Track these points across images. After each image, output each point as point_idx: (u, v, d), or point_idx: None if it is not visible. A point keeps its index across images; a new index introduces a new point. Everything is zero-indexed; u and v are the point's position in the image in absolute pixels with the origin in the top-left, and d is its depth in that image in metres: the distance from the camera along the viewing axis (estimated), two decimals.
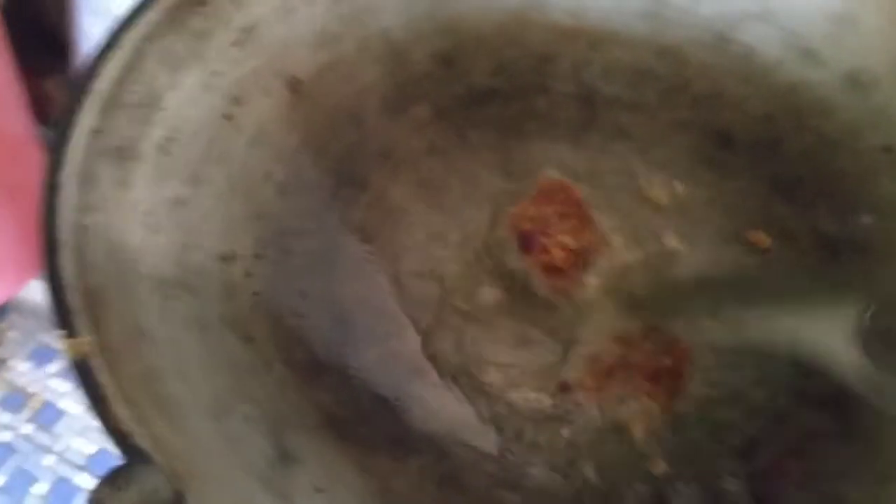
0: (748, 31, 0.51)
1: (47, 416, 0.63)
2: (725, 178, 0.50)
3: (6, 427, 0.62)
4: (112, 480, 0.25)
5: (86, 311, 0.31)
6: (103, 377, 0.29)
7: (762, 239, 0.47)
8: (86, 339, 0.30)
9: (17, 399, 0.63)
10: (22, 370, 0.69)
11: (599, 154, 0.52)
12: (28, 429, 0.62)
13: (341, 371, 0.40)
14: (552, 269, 0.47)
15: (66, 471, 0.61)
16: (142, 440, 0.27)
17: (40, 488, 0.60)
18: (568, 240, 0.48)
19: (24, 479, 0.60)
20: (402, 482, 0.36)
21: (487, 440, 0.40)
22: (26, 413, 0.63)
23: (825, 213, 0.47)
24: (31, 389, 0.64)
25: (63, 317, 0.30)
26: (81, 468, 0.63)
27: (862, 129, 0.48)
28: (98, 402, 0.28)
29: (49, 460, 0.61)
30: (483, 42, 0.52)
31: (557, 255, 0.47)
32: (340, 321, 0.42)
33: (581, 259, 0.48)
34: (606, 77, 0.53)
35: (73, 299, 0.31)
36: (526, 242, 0.48)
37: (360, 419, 0.38)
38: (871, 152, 0.48)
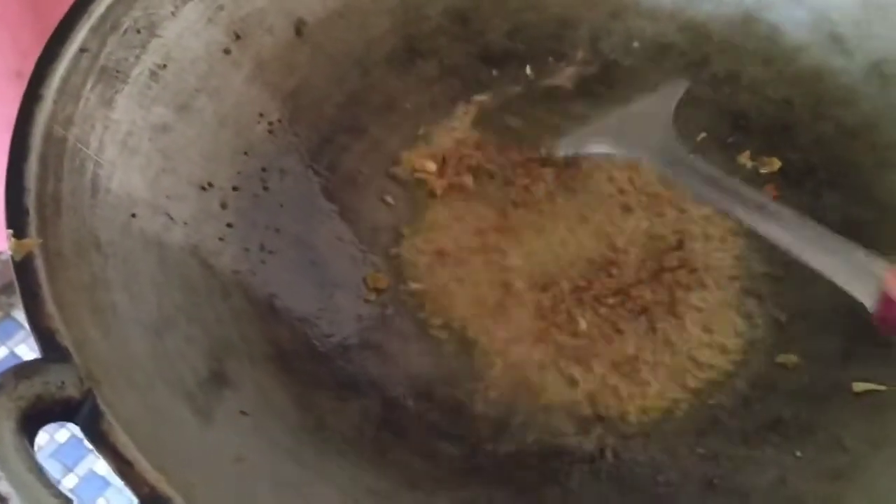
0: (777, 11, 0.49)
1: None
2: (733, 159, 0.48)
3: None
4: (19, 369, 0.26)
5: (39, 215, 0.32)
6: (42, 278, 0.30)
7: None
8: (32, 241, 0.30)
9: None
10: None
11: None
12: None
13: (304, 310, 0.40)
14: None
15: None
16: (64, 339, 0.28)
17: None
18: None
19: None
20: (339, 420, 0.36)
21: (443, 392, 0.39)
22: None
23: (830, 203, 0.45)
24: None
25: (14, 217, 0.31)
26: None
27: (881, 122, 0.46)
28: (30, 300, 0.29)
29: None
30: (501, 2, 0.51)
31: None
32: (312, 262, 0.42)
33: None
34: (625, 48, 0.52)
35: (29, 202, 0.32)
36: None
37: (312, 357, 0.38)
38: (889, 147, 0.45)
